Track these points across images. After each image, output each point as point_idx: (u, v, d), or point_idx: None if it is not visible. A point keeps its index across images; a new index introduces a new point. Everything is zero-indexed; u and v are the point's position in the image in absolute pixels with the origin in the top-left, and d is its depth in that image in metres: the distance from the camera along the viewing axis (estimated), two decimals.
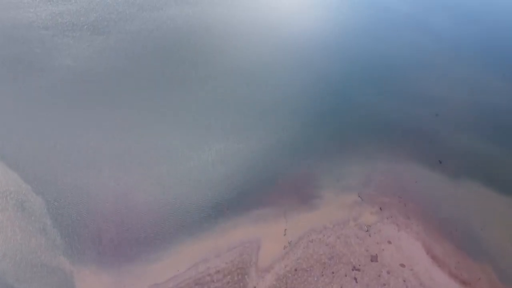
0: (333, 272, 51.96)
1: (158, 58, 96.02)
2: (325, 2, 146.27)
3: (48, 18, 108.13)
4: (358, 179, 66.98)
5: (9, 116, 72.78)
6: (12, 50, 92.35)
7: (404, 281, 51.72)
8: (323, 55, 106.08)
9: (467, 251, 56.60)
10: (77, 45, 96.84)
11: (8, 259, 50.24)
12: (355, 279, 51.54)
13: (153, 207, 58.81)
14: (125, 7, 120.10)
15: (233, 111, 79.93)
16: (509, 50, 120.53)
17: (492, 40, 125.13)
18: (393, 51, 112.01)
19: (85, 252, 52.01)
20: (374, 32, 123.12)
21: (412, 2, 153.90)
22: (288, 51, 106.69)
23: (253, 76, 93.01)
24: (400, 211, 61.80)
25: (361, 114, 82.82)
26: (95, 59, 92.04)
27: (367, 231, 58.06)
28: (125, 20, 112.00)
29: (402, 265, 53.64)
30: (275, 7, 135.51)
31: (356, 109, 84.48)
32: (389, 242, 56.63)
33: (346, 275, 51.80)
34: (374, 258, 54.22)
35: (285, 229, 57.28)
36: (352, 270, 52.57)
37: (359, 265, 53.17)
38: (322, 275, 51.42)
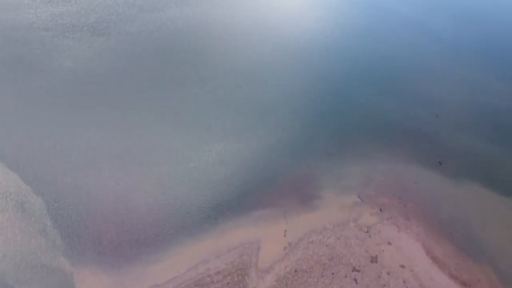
0: (333, 273, 51.95)
1: (158, 59, 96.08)
2: (325, 2, 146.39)
3: (48, 19, 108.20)
4: (358, 180, 67.00)
5: (9, 116, 72.80)
6: (12, 51, 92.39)
7: (404, 282, 51.70)
8: (323, 55, 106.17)
9: (467, 252, 56.58)
10: (77, 46, 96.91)
11: (8, 260, 50.23)
12: (355, 280, 51.52)
13: (153, 207, 58.82)
14: (125, 9, 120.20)
15: (233, 111, 79.98)
16: (509, 50, 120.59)
17: (492, 41, 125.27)
18: (393, 51, 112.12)
19: (85, 253, 52.00)
20: (374, 32, 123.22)
21: (412, 3, 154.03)
22: (288, 51, 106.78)
23: (253, 76, 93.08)
24: (400, 212, 61.80)
25: (361, 115, 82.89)
26: (95, 60, 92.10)
27: (367, 232, 58.05)
28: (125, 21, 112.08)
29: (402, 266, 53.62)
30: (275, 8, 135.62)
31: (356, 109, 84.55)
32: (389, 243, 56.62)
33: (346, 276, 51.78)
34: (374, 259, 54.20)
35: (285, 230, 57.28)
36: (352, 271, 52.55)
37: (359, 266, 53.15)
38: (322, 276, 51.40)
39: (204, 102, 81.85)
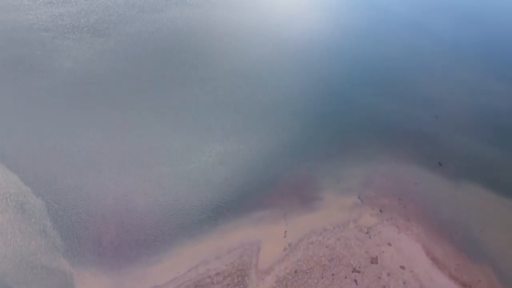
0: (333, 274, 51.93)
1: (158, 59, 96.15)
2: (325, 3, 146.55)
3: (49, 20, 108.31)
4: (358, 181, 66.99)
5: (9, 117, 72.82)
6: (13, 52, 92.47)
7: (404, 283, 51.68)
8: (323, 56, 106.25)
9: (467, 253, 56.56)
10: (78, 47, 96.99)
11: (8, 261, 50.22)
12: (355, 281, 51.50)
13: (153, 208, 58.81)
14: (125, 9, 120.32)
15: (233, 112, 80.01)
16: (509, 51, 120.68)
17: (492, 42, 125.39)
18: (393, 52, 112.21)
19: (85, 254, 51.98)
20: (375, 33, 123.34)
21: (412, 4, 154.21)
22: (288, 52, 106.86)
23: (253, 77, 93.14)
24: (400, 213, 61.79)
25: (361, 116, 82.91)
26: (96, 61, 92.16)
27: (367, 233, 58.04)
28: (125, 22, 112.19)
29: (402, 267, 53.60)
30: (275, 9, 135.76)
31: (356, 110, 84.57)
32: (389, 244, 56.60)
33: (346, 277, 51.76)
34: (374, 260, 54.18)
35: (285, 231, 57.26)
36: (352, 272, 52.53)
37: (359, 267, 53.13)
38: (322, 277, 51.38)
39: (204, 103, 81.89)
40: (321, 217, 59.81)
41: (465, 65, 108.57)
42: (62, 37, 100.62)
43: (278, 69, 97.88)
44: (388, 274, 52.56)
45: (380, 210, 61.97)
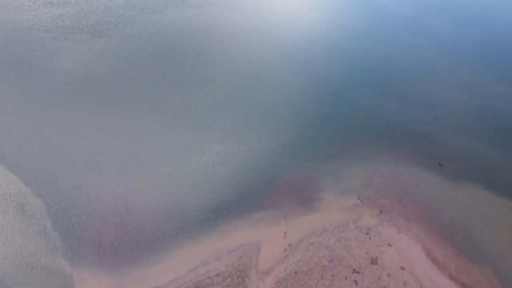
0: (333, 275, 51.90)
1: (158, 60, 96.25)
2: (326, 4, 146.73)
3: (49, 21, 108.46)
4: (358, 182, 66.97)
5: (9, 118, 72.88)
6: (13, 52, 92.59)
7: (404, 284, 51.65)
8: (323, 57, 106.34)
9: (467, 254, 56.51)
10: (78, 48, 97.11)
11: (8, 261, 50.20)
12: (355, 281, 51.47)
13: (153, 209, 58.80)
14: (125, 10, 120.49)
15: (233, 112, 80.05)
16: (509, 53, 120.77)
17: (492, 43, 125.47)
18: (394, 53, 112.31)
19: (85, 255, 51.95)
20: (375, 34, 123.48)
21: (412, 5, 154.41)
22: (288, 53, 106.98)
23: (253, 78, 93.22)
24: (400, 214, 61.77)
25: (361, 116, 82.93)
26: (96, 62, 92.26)
27: (367, 233, 58.02)
28: (125, 23, 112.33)
29: (402, 268, 53.57)
30: (275, 9, 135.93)
31: (357, 111, 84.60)
32: (389, 245, 56.58)
33: (346, 278, 51.73)
34: (374, 261, 54.16)
35: (285, 232, 57.24)
36: (352, 272, 52.50)
37: (359, 268, 53.10)
38: (322, 278, 51.35)
39: (204, 103, 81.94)
40: (321, 218, 59.79)
41: (465, 66, 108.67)
42: (62, 38, 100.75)
43: (278, 69, 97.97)
44: (388, 275, 52.54)
45: (380, 211, 61.96)
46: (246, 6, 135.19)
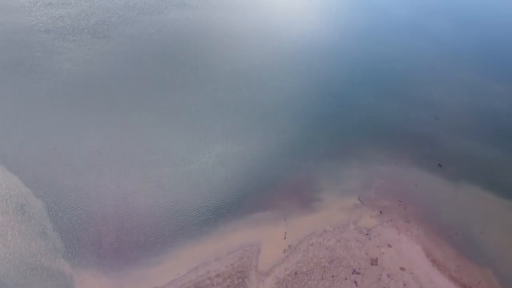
0: (333, 276, 51.90)
1: (158, 61, 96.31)
2: (325, 5, 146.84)
3: (49, 22, 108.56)
4: (358, 182, 67.00)
5: (9, 118, 72.91)
6: (13, 53, 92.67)
7: (404, 284, 51.64)
8: (323, 57, 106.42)
9: (467, 255, 56.50)
10: (78, 49, 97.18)
11: (8, 262, 50.18)
12: (355, 282, 51.46)
13: (153, 210, 58.81)
14: (126, 11, 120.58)
15: (233, 113, 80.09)
16: (509, 53, 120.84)
17: (492, 43, 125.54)
18: (394, 53, 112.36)
19: (85, 256, 51.94)
20: (375, 35, 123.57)
21: (412, 5, 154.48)
22: (288, 53, 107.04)
23: (253, 78, 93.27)
24: (400, 215, 61.78)
25: (361, 117, 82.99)
26: (96, 63, 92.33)
27: (367, 234, 58.03)
28: (125, 24, 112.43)
29: (402, 269, 53.57)
30: (275, 10, 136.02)
31: (356, 111, 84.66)
32: (389, 246, 56.59)
33: (346, 279, 51.73)
34: (374, 262, 54.16)
35: (285, 233, 57.24)
36: (352, 273, 52.50)
37: (359, 269, 53.10)
38: (322, 279, 51.35)
39: (204, 104, 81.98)
40: (321, 219, 59.80)
41: (465, 66, 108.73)
42: (62, 39, 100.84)
43: (278, 70, 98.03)
44: (388, 276, 52.53)
45: (380, 212, 61.98)
46: (246, 7, 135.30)
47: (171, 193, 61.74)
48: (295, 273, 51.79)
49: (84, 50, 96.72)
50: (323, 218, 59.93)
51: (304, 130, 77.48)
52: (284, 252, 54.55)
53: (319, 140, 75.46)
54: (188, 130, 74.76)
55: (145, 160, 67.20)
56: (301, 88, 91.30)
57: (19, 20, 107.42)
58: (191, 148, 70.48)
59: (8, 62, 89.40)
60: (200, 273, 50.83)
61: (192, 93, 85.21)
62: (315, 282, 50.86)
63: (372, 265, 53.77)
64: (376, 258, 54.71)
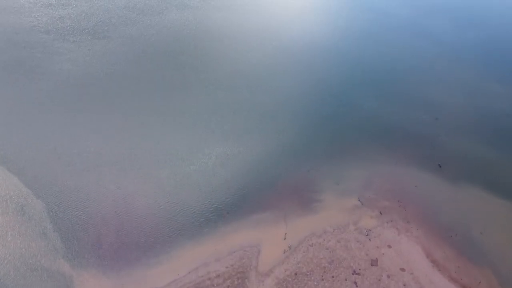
0: (333, 276, 51.90)
1: (158, 62, 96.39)
2: (325, 6, 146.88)
3: (49, 23, 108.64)
4: (358, 183, 67.00)
5: (9, 119, 72.97)
6: (13, 54, 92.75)
7: (404, 285, 51.64)
8: (323, 58, 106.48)
9: (467, 255, 56.50)
10: (78, 50, 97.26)
11: (8, 263, 50.21)
12: (355, 283, 51.47)
13: (153, 211, 58.84)
14: (126, 12, 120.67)
15: (233, 114, 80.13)
16: (509, 53, 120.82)
17: (493, 44, 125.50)
18: (394, 54, 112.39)
19: (85, 256, 51.96)
20: (375, 35, 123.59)
21: (412, 6, 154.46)
22: (289, 54, 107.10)
23: (254, 79, 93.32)
24: (400, 215, 61.79)
25: (361, 117, 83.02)
26: (96, 63, 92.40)
27: (367, 235, 58.04)
28: (125, 25, 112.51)
29: (402, 269, 53.57)
30: (276, 11, 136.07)
31: (356, 112, 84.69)
32: (389, 246, 56.59)
33: (346, 279, 51.74)
34: (374, 262, 54.17)
35: (285, 233, 57.26)
36: (352, 274, 52.50)
37: (359, 269, 53.11)
38: (322, 279, 51.36)
39: (204, 105, 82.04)
40: (321, 219, 59.81)
41: (465, 66, 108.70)
42: (62, 40, 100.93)
43: (278, 71, 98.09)
44: (388, 276, 52.54)
45: (380, 212, 61.99)
46: (247, 7, 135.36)
47: (171, 194, 61.78)
48: (295, 274, 51.81)
49: (84, 51, 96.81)
50: (323, 218, 59.95)
51: (304, 131, 77.52)
52: (284, 252, 54.57)
53: (319, 140, 75.51)
54: (188, 130, 74.81)
55: (145, 161, 67.25)
56: (301, 88, 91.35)
57: (19, 21, 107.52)
58: (191, 149, 70.52)
59: (8, 62, 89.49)
60: (200, 274, 50.86)
61: (192, 94, 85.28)
62: (315, 283, 50.88)
63: (372, 265, 53.79)
64: (376, 258, 54.73)
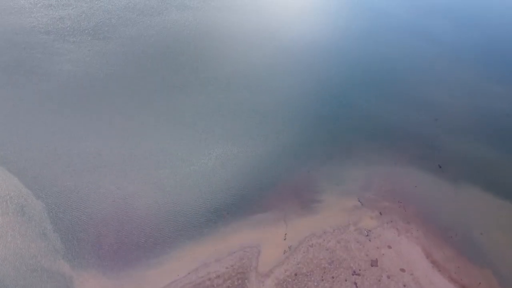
0: (333, 277, 51.90)
1: (158, 62, 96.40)
2: (325, 6, 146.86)
3: (49, 23, 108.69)
4: (358, 184, 67.01)
5: (10, 120, 72.99)
6: (13, 55, 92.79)
7: (404, 286, 51.64)
8: (323, 58, 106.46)
9: (467, 256, 56.52)
10: (78, 50, 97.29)
11: (8, 263, 50.24)
12: (355, 283, 51.46)
13: (153, 211, 58.86)
14: (126, 12, 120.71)
15: (233, 114, 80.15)
16: (509, 53, 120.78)
17: (492, 44, 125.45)
18: (394, 54, 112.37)
19: (85, 257, 51.99)
20: (375, 35, 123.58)
21: (412, 6, 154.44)
22: (289, 54, 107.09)
23: (254, 79, 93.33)
24: (400, 216, 61.79)
25: (361, 118, 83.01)
26: (96, 64, 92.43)
27: (367, 235, 58.03)
28: (125, 25, 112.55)
29: (402, 270, 53.56)
30: (276, 11, 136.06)
31: (356, 112, 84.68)
32: (389, 247, 56.59)
33: (346, 280, 51.73)
34: (374, 263, 54.16)
35: (285, 234, 57.26)
36: (352, 274, 52.50)
37: (359, 270, 53.10)
38: (322, 280, 51.35)
39: (204, 105, 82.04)
40: (321, 220, 59.83)
41: (465, 67, 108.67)
42: (62, 40, 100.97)
43: (279, 71, 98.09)
44: (388, 277, 52.53)
45: (380, 213, 61.98)
46: (247, 8, 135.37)
47: (171, 195, 61.79)
48: (295, 274, 51.81)
49: (84, 52, 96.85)
50: (323, 219, 59.96)
51: (304, 131, 77.54)
52: (284, 253, 54.58)
53: (319, 140, 75.50)
54: (188, 131, 74.83)
55: (145, 161, 67.27)
56: (301, 88, 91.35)
57: (19, 22, 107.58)
58: (191, 149, 70.54)
59: (9, 63, 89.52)
60: (200, 274, 50.87)
61: (192, 94, 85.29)
62: (315, 283, 50.88)
63: (372, 266, 53.78)
64: (376, 259, 54.72)
